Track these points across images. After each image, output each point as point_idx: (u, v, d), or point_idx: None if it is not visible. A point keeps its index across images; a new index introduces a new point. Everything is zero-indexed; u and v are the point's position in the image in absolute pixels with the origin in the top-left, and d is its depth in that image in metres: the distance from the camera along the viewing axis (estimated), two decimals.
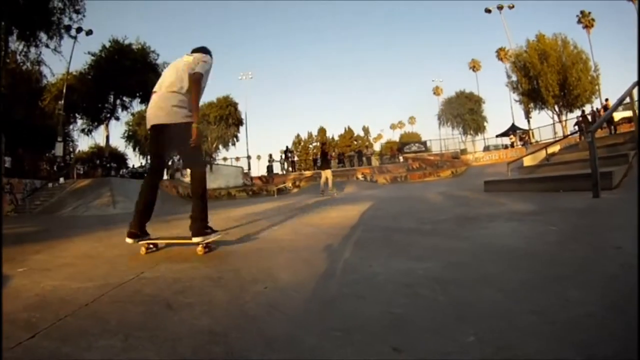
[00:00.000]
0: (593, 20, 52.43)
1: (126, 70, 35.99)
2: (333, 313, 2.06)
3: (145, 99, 40.34)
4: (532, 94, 42.35)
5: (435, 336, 1.72)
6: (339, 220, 6.28)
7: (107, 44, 37.64)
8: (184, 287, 2.66)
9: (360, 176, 36.55)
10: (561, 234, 3.94)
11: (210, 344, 1.74)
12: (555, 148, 15.51)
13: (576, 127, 28.04)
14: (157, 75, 38.73)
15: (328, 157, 20.43)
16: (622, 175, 7.45)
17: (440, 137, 52.32)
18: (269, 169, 43.40)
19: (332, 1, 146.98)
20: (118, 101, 40.40)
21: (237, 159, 49.83)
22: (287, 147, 45.65)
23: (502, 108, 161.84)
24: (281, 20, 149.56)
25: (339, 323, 1.89)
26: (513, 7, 47.42)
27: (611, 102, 27.33)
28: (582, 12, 53.04)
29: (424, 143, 48.65)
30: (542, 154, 14.48)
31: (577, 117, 31.79)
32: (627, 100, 9.38)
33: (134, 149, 50.94)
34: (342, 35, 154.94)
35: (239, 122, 54.66)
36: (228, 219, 8.19)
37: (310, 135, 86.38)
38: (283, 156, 45.87)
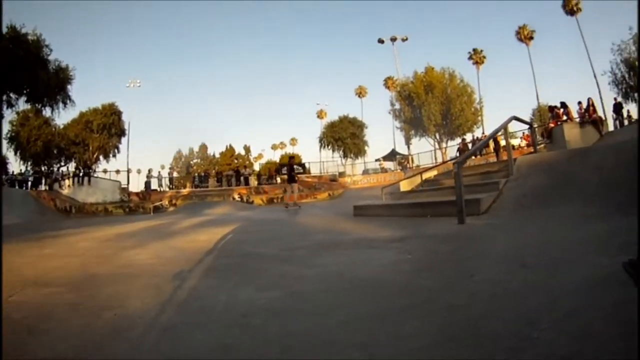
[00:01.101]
0: (484, 57, 57.68)
1: (17, 62, 32.83)
2: (170, 340, 2.26)
3: (32, 98, 37.05)
4: (413, 122, 45.32)
5: None
6: (204, 245, 6.42)
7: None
8: (46, 313, 2.80)
9: (236, 196, 36.27)
10: (417, 262, 4.15)
11: None
12: (432, 174, 16.40)
13: (458, 153, 30.23)
14: (47, 72, 35.41)
15: (294, 171, 20.32)
16: (491, 201, 8.16)
17: (321, 160, 53.80)
18: (147, 184, 41.92)
19: (220, 18, 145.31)
20: (4, 97, 36.71)
21: (118, 171, 47.56)
22: (190, 162, 44.33)
23: (384, 133, 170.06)
24: (169, 28, 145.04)
25: (172, 351, 2.11)
26: (407, 39, 50.79)
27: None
28: (474, 50, 58.02)
29: (303, 165, 49.52)
30: (419, 179, 15.23)
31: (459, 144, 34.34)
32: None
33: (15, 153, 46.06)
34: (228, 52, 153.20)
35: (121, 133, 52.16)
36: (98, 239, 8.20)
37: (191, 151, 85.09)
38: (185, 172, 44.69)
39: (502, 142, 26.78)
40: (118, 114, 51.18)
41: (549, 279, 2.87)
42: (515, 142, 33.39)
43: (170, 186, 43.95)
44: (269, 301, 2.89)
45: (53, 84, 36.89)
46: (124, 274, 4.31)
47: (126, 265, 4.84)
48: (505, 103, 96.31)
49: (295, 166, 21.45)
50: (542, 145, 19.49)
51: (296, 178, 20.32)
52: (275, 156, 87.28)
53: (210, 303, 2.97)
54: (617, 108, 27.45)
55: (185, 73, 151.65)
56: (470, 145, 32.72)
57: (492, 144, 27.77)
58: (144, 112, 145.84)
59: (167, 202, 34.65)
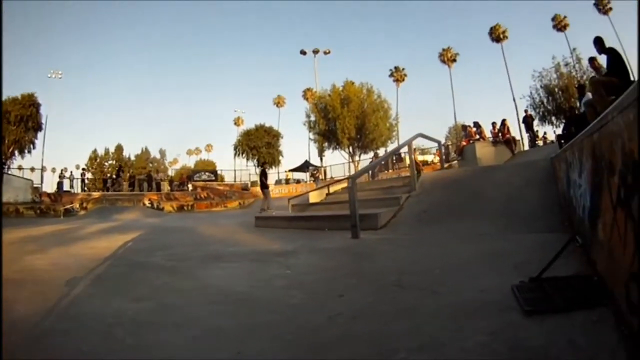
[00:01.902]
0: (405, 75, 60.62)
1: None
2: (41, 346, 2.43)
3: None
4: (327, 134, 45.70)
5: None
6: (102, 252, 6.56)
7: None
8: None
9: (147, 202, 35.13)
10: (294, 278, 4.20)
11: None
12: (341, 186, 16.49)
13: None
14: None
15: (266, 177, 20.85)
16: (390, 216, 8.26)
17: (235, 168, 53.44)
18: (59, 185, 39.87)
19: (141, 16, 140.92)
20: None
21: (32, 169, 44.51)
22: (120, 165, 42.34)
23: (300, 144, 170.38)
24: (93, 24, 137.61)
25: (41, 355, 2.29)
26: (329, 52, 51.34)
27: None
28: (396, 68, 60.64)
29: (215, 172, 49.15)
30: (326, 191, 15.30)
31: (371, 158, 35.13)
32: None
33: None
34: (147, 52, 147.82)
35: (38, 127, 48.59)
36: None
37: (107, 151, 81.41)
38: (114, 175, 44.06)
39: (420, 157, 27.59)
40: (37, 106, 47.97)
41: (422, 302, 2.82)
42: (429, 158, 34.69)
43: (84, 188, 41.95)
44: (138, 312, 3.03)
45: None
46: (18, 279, 4.38)
47: (22, 271, 4.95)
48: (423, 120, 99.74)
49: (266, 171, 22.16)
50: (448, 164, 20.18)
51: (267, 184, 20.62)
52: (191, 162, 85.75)
53: (86, 311, 3.12)
54: (528, 121, 26.96)
55: (106, 69, 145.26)
56: None
57: (407, 159, 28.55)
58: (67, 106, 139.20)
59: (78, 205, 33.15)
